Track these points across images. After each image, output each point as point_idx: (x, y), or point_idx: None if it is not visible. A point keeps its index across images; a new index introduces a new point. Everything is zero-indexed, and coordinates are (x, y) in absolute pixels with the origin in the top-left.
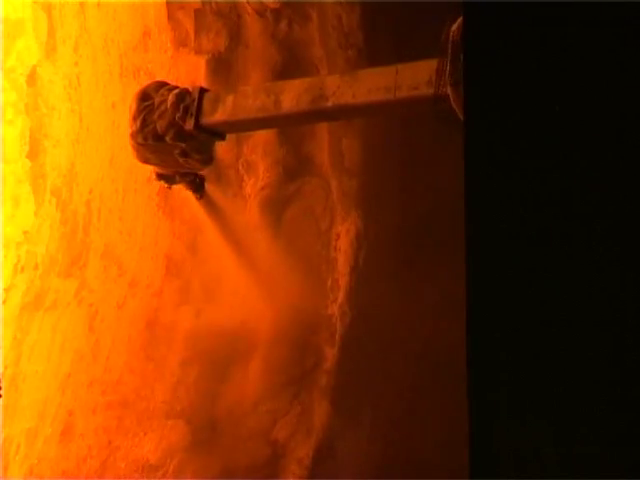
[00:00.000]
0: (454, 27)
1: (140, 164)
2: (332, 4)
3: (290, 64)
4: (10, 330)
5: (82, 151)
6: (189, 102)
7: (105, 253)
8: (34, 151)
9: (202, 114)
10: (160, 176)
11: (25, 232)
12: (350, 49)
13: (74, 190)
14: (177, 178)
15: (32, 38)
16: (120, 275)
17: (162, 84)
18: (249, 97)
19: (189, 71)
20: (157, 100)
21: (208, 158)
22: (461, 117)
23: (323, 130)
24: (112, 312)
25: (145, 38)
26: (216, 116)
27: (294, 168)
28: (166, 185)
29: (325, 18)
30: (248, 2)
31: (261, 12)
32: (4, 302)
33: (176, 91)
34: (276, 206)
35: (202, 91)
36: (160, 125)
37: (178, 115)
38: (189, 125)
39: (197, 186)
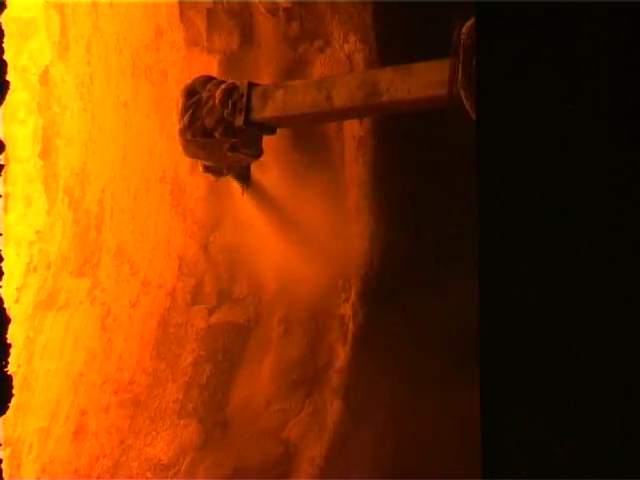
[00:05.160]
0: (465, 29)
1: (153, 163)
2: (344, 3)
3: (302, 64)
4: (22, 329)
5: (94, 150)
6: (237, 98)
7: (117, 252)
8: (46, 150)
9: (252, 110)
10: (207, 169)
11: (37, 231)
12: (363, 49)
13: (86, 189)
14: (225, 171)
15: (44, 37)
16: (132, 274)
17: (209, 79)
18: (299, 92)
19: (201, 70)
20: (204, 96)
21: (257, 152)
22: (473, 116)
23: (336, 130)
24: (124, 311)
25: (157, 37)
26: (266, 112)
27: (306, 168)
28: (214, 178)
29: (337, 17)
30: (260, 1)
31: (273, 11)
32: (17, 301)
33: (223, 86)
34: (289, 206)
35: (250, 86)
36: (209, 121)
37: (227, 111)
38: (239, 121)
39: (244, 176)
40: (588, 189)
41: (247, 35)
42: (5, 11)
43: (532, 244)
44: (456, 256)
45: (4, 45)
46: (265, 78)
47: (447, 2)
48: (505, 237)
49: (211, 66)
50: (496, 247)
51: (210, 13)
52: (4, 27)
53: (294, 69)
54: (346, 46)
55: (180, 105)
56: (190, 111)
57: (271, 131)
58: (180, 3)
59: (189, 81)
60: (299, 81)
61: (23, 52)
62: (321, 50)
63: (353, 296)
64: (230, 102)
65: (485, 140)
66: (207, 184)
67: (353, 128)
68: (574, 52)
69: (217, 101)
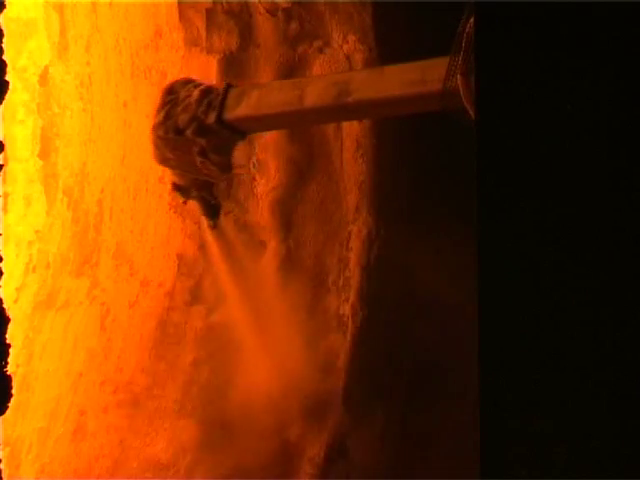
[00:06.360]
0: (471, 21)
1: (152, 163)
2: (344, 3)
3: (302, 64)
4: (22, 329)
5: (94, 150)
6: (214, 97)
7: (117, 252)
8: (45, 150)
9: (225, 109)
10: (176, 187)
11: (37, 231)
12: (362, 50)
13: (86, 189)
14: (193, 192)
15: (44, 38)
16: (132, 274)
17: (190, 80)
18: (274, 91)
19: (201, 70)
20: (182, 94)
21: (226, 163)
22: (472, 114)
23: (335, 129)
24: (124, 311)
25: (156, 37)
26: (239, 110)
27: (305, 167)
28: (181, 200)
29: (337, 18)
30: (260, 1)
31: (272, 11)
32: (16, 301)
33: (203, 87)
34: (287, 205)
35: (229, 87)
36: (182, 119)
37: (201, 109)
38: (210, 119)
39: (212, 209)
40: (588, 189)
41: (246, 35)
42: (5, 11)
43: (532, 244)
44: (456, 254)
45: (3, 45)
46: (264, 78)
47: (446, 2)
48: (504, 237)
49: (210, 66)
50: (495, 247)
51: (209, 13)
52: (4, 27)
53: (293, 69)
54: (345, 46)
55: (158, 103)
56: (166, 108)
57: (242, 135)
58: (179, 3)
59: (171, 81)
60: (277, 81)
61: (23, 52)
62: (320, 50)
63: (353, 296)
64: (206, 101)
65: (484, 140)
66: None
67: (352, 128)
68: (574, 53)
69: (193, 99)
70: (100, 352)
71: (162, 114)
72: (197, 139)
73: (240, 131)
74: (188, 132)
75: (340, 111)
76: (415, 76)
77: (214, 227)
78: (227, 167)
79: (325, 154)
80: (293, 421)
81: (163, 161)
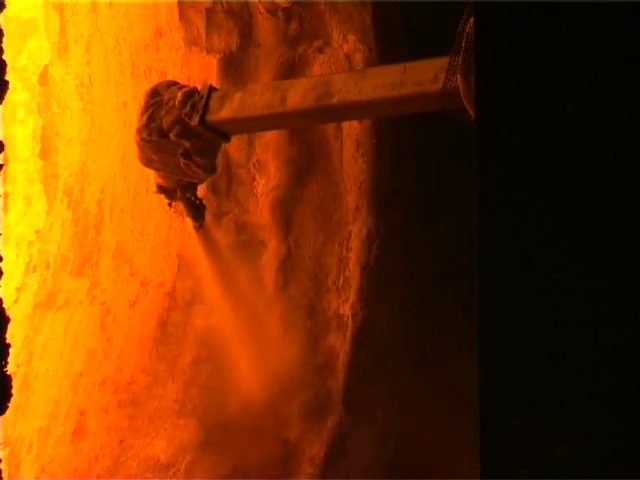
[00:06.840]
0: (471, 21)
1: None
2: (344, 3)
3: (302, 64)
4: (22, 329)
5: (94, 150)
6: (197, 99)
7: (117, 252)
8: (46, 150)
9: (209, 111)
10: (161, 189)
11: (37, 231)
12: (362, 49)
13: (86, 189)
14: (178, 193)
15: (44, 38)
16: (132, 274)
17: (173, 83)
18: (256, 94)
19: (201, 70)
20: (166, 97)
21: (211, 165)
22: (472, 114)
23: (335, 129)
24: (124, 311)
25: (157, 37)
26: (222, 113)
27: (305, 167)
28: (167, 202)
29: (337, 17)
30: (260, 1)
31: (273, 11)
32: (16, 301)
33: (186, 89)
34: (287, 205)
35: (211, 89)
36: (166, 121)
37: (185, 111)
38: (194, 121)
39: (197, 210)
40: (588, 189)
41: (246, 35)
42: (5, 11)
43: (532, 244)
44: (455, 255)
45: (3, 45)
46: (264, 78)
47: (446, 2)
48: (504, 237)
49: (210, 66)
50: (495, 247)
51: (209, 13)
52: (4, 27)
53: (293, 69)
54: (345, 46)
55: (142, 106)
56: (150, 111)
57: (226, 138)
58: (179, 3)
59: (154, 84)
60: (259, 84)
61: (23, 52)
62: (320, 50)
63: (352, 296)
64: (190, 103)
65: (484, 139)
66: (205, 183)
67: (352, 128)
68: (574, 53)
69: (177, 101)
70: (100, 352)
71: (146, 117)
72: (181, 141)
73: (223, 133)
74: (172, 134)
75: (322, 113)
76: (394, 79)
77: (200, 228)
78: (211, 168)
79: (325, 154)
80: (293, 421)
81: (147, 163)
